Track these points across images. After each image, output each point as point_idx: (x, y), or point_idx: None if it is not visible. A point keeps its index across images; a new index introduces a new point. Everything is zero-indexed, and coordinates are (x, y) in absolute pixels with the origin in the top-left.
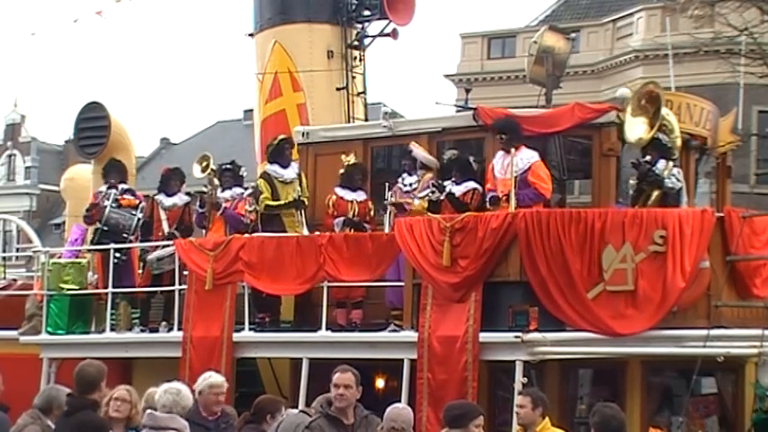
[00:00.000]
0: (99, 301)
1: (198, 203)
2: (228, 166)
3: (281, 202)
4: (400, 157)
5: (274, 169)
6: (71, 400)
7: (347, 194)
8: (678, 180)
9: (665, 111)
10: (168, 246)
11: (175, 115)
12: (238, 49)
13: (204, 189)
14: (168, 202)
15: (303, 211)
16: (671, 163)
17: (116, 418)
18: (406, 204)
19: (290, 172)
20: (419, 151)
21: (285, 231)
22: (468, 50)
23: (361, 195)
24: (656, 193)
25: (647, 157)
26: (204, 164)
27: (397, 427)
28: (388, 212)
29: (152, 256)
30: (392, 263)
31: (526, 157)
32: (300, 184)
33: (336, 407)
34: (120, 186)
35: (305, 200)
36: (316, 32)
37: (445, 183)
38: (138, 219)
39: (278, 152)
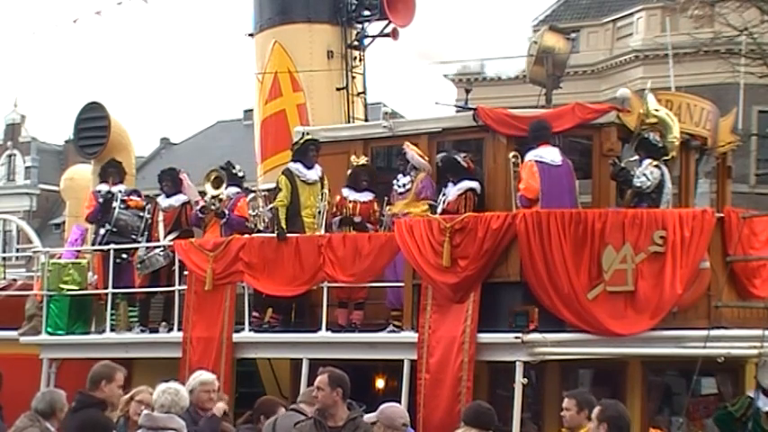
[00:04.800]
0: (99, 302)
1: (199, 209)
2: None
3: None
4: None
5: (298, 168)
6: (79, 397)
7: (351, 194)
8: (648, 179)
9: (665, 112)
10: (154, 246)
11: (175, 115)
12: (238, 49)
13: (204, 191)
14: (165, 203)
15: (324, 214)
16: (653, 162)
17: (137, 422)
18: (402, 214)
19: (314, 174)
20: (412, 153)
21: (304, 231)
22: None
23: (366, 196)
24: (629, 192)
25: (636, 157)
26: (214, 177)
27: (405, 422)
28: (384, 226)
29: (136, 260)
30: (389, 263)
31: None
32: (323, 187)
33: (315, 408)
34: (123, 187)
35: (326, 204)
36: (316, 32)
37: (444, 187)
38: (147, 219)
39: (302, 152)
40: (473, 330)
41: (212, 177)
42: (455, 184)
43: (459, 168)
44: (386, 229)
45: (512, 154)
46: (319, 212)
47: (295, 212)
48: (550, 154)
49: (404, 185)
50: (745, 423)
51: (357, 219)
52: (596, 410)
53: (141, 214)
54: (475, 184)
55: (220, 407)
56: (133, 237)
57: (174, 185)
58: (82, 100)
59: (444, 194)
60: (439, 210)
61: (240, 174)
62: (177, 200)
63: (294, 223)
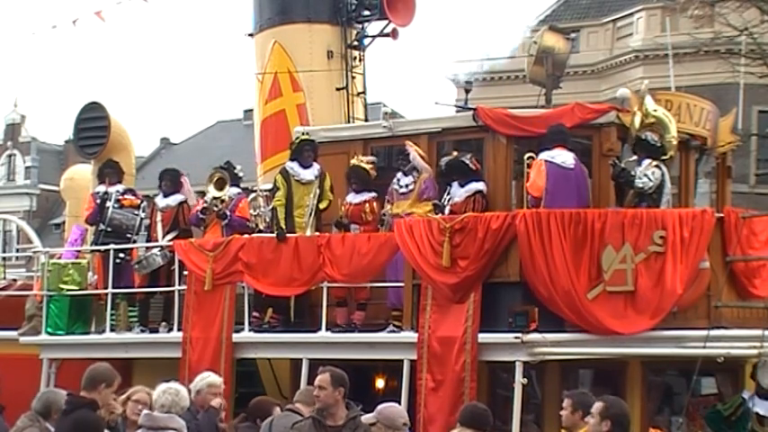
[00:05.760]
0: (99, 302)
1: (200, 210)
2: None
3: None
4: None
5: (293, 167)
6: (69, 399)
7: (349, 196)
8: (650, 180)
9: (662, 111)
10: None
11: (175, 115)
12: (238, 49)
13: (204, 191)
14: (162, 203)
15: (314, 214)
16: (653, 162)
17: (135, 422)
18: (405, 214)
19: (309, 173)
20: (415, 154)
21: (295, 231)
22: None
23: (361, 197)
24: (630, 193)
25: (635, 157)
26: (217, 178)
27: (405, 422)
28: (385, 224)
29: (134, 260)
30: (387, 263)
31: None
32: (321, 186)
33: (316, 408)
34: (120, 187)
35: (324, 203)
36: (315, 32)
37: (449, 186)
38: (141, 218)
39: (297, 152)
40: (474, 331)
41: (215, 179)
42: (462, 185)
43: (466, 170)
44: (386, 228)
45: (527, 155)
46: (310, 212)
47: (288, 212)
48: (563, 156)
49: (406, 186)
50: (735, 422)
51: (345, 220)
52: (599, 406)
53: (136, 212)
54: (482, 186)
55: (217, 400)
56: (128, 236)
57: (173, 185)
58: (82, 100)
59: (449, 195)
60: (446, 211)
61: (241, 174)
62: (174, 199)
63: (287, 222)
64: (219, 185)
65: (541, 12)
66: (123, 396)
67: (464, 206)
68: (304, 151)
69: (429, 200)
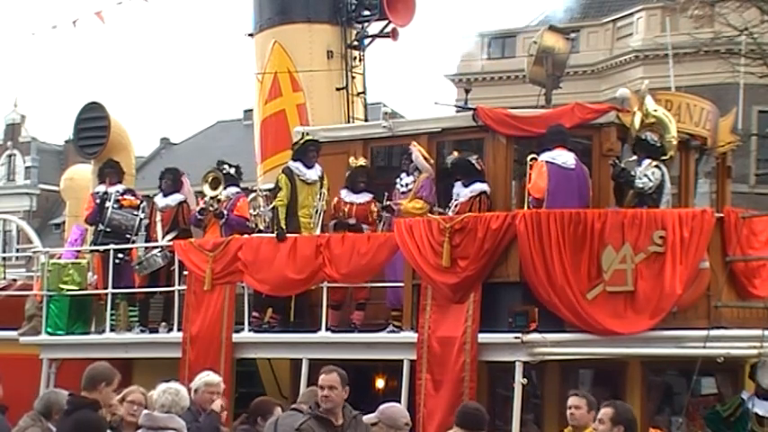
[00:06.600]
0: (99, 302)
1: (198, 210)
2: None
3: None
4: (401, 157)
5: (297, 167)
6: (71, 399)
7: (348, 196)
8: (650, 180)
9: (661, 111)
10: (153, 247)
11: (175, 115)
12: (238, 49)
13: (203, 191)
14: (161, 203)
15: (320, 214)
16: (653, 163)
17: (131, 423)
18: (395, 205)
19: (313, 173)
20: (417, 154)
21: (300, 231)
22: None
23: (363, 197)
24: (630, 193)
25: (635, 157)
26: (212, 178)
27: (407, 422)
28: (382, 221)
29: (134, 261)
30: (386, 263)
31: None
32: (322, 187)
33: (324, 408)
34: (120, 187)
35: (323, 204)
36: (315, 32)
37: (452, 187)
38: (141, 219)
39: (302, 152)
40: (474, 331)
41: (210, 179)
42: (465, 185)
43: (472, 170)
44: (384, 224)
45: (530, 157)
46: (316, 212)
47: (292, 212)
48: (563, 157)
49: (406, 185)
50: (735, 423)
51: (352, 221)
52: (609, 411)
53: (135, 213)
54: (486, 187)
55: (218, 403)
56: (128, 236)
57: (173, 185)
58: (82, 100)
59: (457, 196)
60: (451, 213)
61: (232, 171)
62: (174, 199)
63: (290, 223)
64: (214, 185)
65: (541, 12)
66: (118, 397)
67: (468, 205)
68: (308, 152)
69: (422, 198)
